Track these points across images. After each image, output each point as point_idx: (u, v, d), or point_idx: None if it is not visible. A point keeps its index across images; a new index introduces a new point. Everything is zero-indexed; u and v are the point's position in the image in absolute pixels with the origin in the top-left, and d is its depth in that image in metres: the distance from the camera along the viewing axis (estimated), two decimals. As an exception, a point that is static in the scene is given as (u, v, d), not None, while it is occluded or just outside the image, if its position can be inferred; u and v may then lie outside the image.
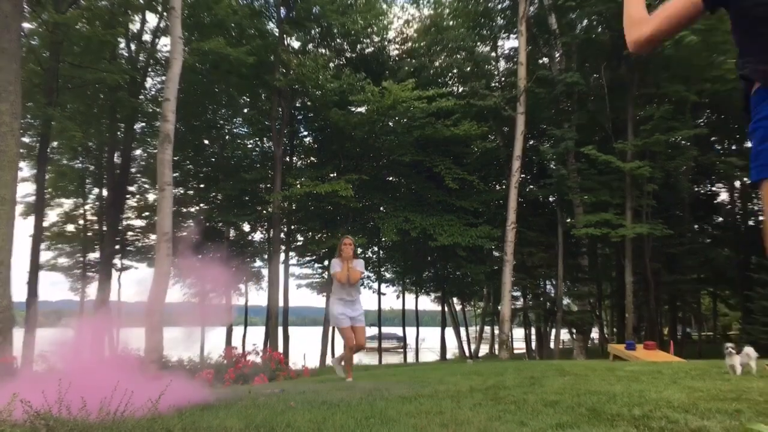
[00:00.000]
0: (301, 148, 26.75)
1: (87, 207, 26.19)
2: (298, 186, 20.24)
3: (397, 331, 40.46)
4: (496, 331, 30.38)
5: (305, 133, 26.13)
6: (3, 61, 8.88)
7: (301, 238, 27.26)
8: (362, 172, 21.00)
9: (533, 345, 32.95)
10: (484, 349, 37.79)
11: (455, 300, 34.70)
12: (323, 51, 23.52)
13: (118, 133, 20.83)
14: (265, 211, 24.32)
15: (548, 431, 3.41)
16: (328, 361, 25.55)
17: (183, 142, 22.83)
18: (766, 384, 4.88)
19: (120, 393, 3.42)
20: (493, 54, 25.79)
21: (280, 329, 22.23)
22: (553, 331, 24.77)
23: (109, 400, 3.35)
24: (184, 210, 27.32)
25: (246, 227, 27.79)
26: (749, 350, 6.17)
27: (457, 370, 7.46)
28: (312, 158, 26.14)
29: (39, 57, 16.35)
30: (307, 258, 27.56)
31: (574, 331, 22.37)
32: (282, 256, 23.19)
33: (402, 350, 35.82)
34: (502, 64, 26.05)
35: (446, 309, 32.56)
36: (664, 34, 1.82)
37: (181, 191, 26.76)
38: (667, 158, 20.60)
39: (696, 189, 27.28)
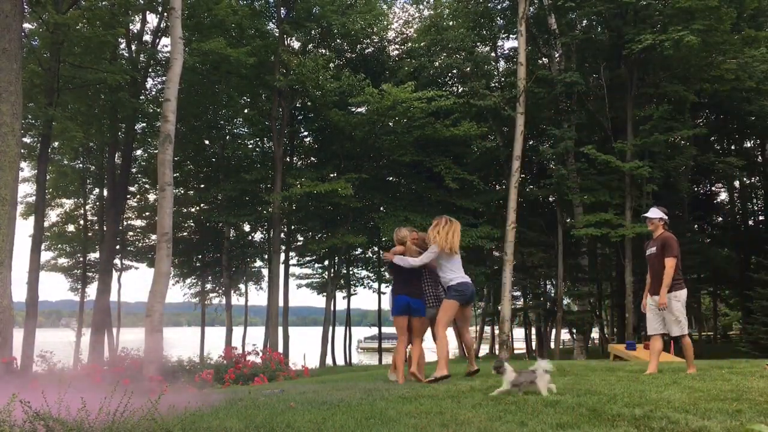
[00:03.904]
0: (301, 148, 26.76)
1: (87, 207, 26.22)
2: (298, 186, 20.23)
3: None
4: (496, 331, 30.37)
5: (305, 133, 26.13)
6: (3, 61, 8.87)
7: (301, 238, 27.28)
8: (362, 172, 21.00)
9: (533, 345, 32.95)
10: (484, 349, 37.76)
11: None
12: (323, 51, 23.52)
13: (119, 133, 20.84)
14: (265, 212, 24.33)
15: (549, 431, 3.41)
16: (328, 361, 25.57)
17: (183, 143, 22.86)
18: (766, 384, 4.89)
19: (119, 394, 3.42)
20: (493, 54, 25.80)
21: (280, 329, 22.23)
22: (553, 331, 24.76)
23: (109, 401, 3.35)
24: (185, 210, 27.36)
25: (246, 227, 27.82)
26: (541, 364, 4.67)
27: (457, 370, 7.46)
28: (312, 158, 26.14)
29: (40, 57, 16.33)
30: (308, 258, 27.57)
31: (575, 331, 22.38)
32: (282, 256, 23.20)
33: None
34: (501, 64, 26.06)
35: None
36: None
37: (182, 191, 26.80)
38: (667, 158, 20.61)
39: (695, 189, 27.30)
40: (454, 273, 6.08)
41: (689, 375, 5.81)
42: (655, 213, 6.45)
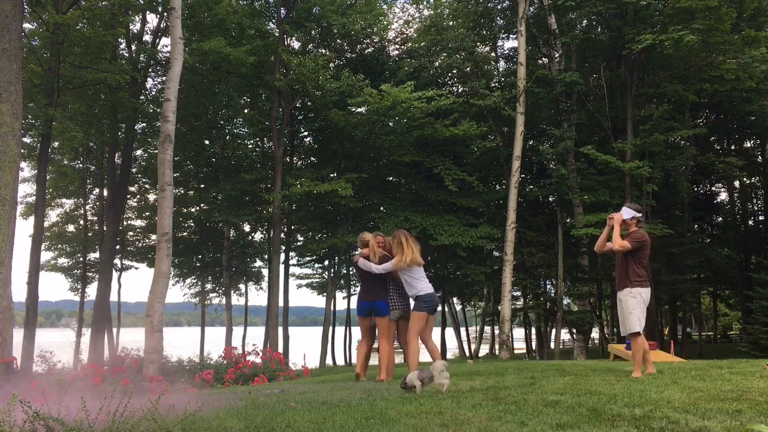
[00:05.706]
0: (301, 148, 26.76)
1: (87, 207, 26.23)
2: (298, 186, 20.24)
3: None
4: (496, 331, 30.36)
5: (305, 133, 26.14)
6: (4, 61, 8.87)
7: (301, 238, 27.28)
8: (362, 172, 21.00)
9: (533, 345, 32.94)
10: (484, 349, 37.78)
11: (455, 300, 34.68)
12: (323, 51, 23.52)
13: (119, 133, 20.86)
14: (265, 212, 24.33)
15: (549, 431, 3.41)
16: (328, 361, 25.58)
17: (183, 143, 22.86)
18: (766, 384, 4.89)
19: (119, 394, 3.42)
20: (493, 54, 25.79)
21: (280, 329, 22.23)
22: (554, 331, 24.75)
23: (109, 401, 3.35)
24: (185, 210, 27.36)
25: (246, 227, 27.82)
26: (436, 365, 5.18)
27: (457, 370, 7.47)
28: (312, 158, 26.14)
29: (40, 57, 16.34)
30: (307, 258, 27.56)
31: (575, 331, 22.36)
32: (282, 256, 23.20)
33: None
34: (501, 64, 26.05)
35: (446, 309, 32.58)
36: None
37: (182, 191, 26.80)
38: (667, 158, 20.60)
39: (695, 189, 27.30)
40: (420, 284, 6.30)
41: (690, 375, 5.80)
42: (628, 213, 6.22)
